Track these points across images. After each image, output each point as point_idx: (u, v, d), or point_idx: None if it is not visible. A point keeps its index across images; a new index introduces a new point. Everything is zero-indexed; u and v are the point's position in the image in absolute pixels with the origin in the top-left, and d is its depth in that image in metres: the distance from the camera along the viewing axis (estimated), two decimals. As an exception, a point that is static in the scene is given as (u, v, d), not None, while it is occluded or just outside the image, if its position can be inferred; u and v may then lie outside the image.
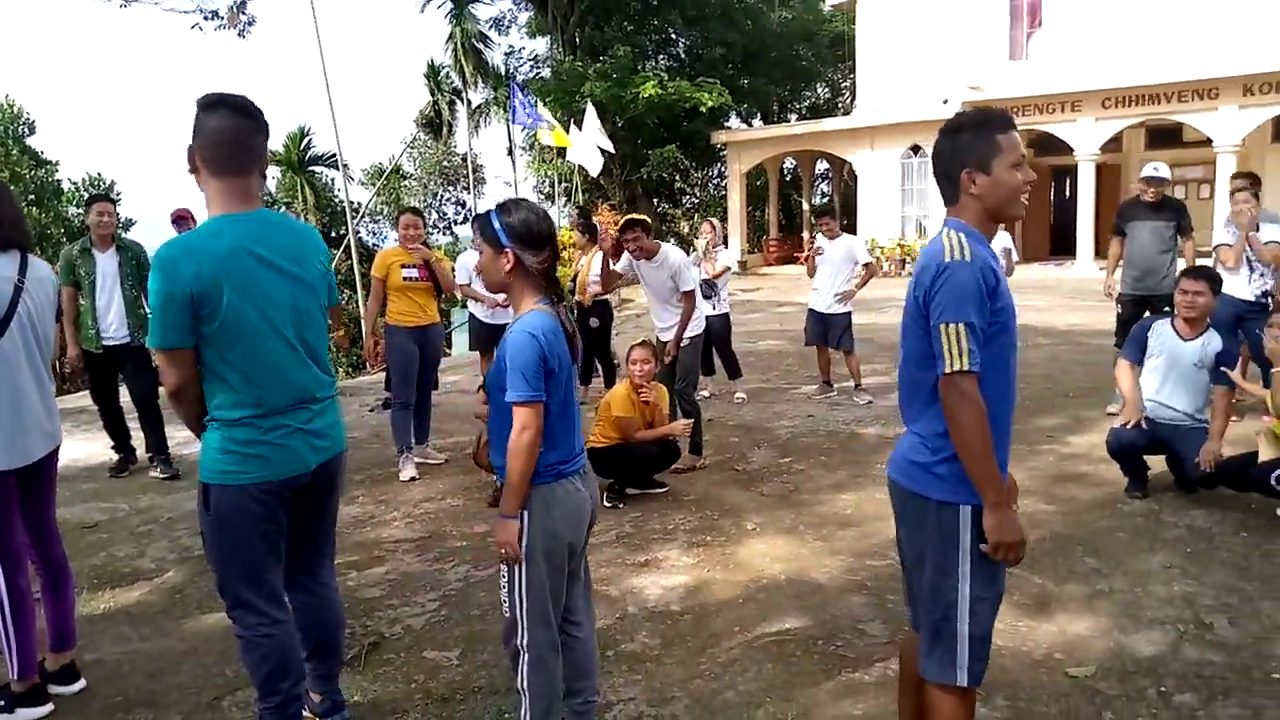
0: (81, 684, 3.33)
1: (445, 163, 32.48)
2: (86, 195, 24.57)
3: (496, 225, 2.51)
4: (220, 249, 2.44)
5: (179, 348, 2.46)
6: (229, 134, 2.51)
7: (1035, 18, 20.34)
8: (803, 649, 3.44)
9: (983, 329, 2.11)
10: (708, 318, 7.26)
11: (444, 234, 32.40)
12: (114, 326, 6.05)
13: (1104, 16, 18.79)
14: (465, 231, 29.99)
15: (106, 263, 6.03)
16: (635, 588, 4.07)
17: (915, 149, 21.62)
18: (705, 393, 7.73)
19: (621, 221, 5.98)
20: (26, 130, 25.67)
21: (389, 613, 3.93)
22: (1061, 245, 22.51)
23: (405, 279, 5.92)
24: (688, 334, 5.82)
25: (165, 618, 4.00)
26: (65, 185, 25.05)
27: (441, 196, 33.44)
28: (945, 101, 20.20)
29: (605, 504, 5.17)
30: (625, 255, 5.90)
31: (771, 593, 3.97)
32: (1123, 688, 3.07)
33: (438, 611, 3.92)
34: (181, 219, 7.97)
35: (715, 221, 8.49)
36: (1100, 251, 17.18)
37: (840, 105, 31.72)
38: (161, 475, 6.26)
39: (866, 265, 7.80)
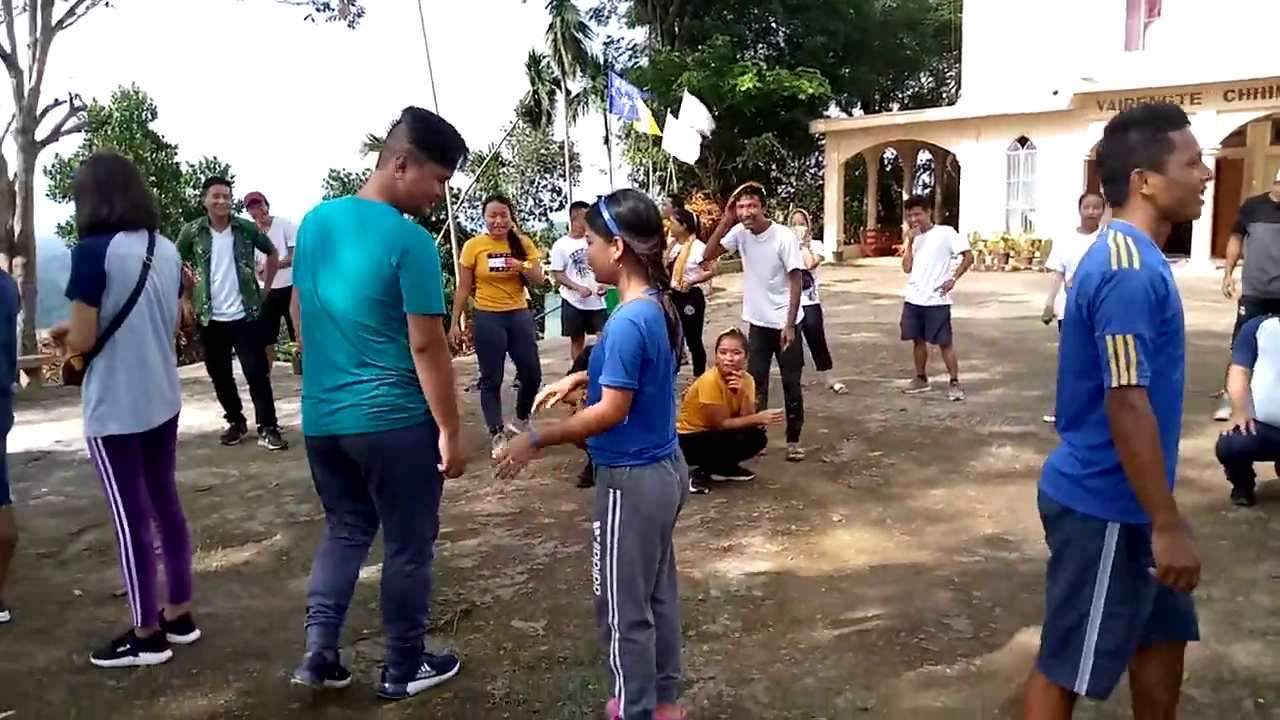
0: (196, 634, 3.57)
1: (543, 150, 32.92)
2: (203, 178, 25.85)
3: (606, 215, 2.57)
4: None
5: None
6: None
7: (1154, 7, 19.40)
8: (885, 640, 3.44)
9: (1152, 340, 2.02)
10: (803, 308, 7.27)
11: (540, 220, 32.90)
12: (229, 303, 6.39)
13: (1226, 5, 17.81)
14: (560, 218, 30.42)
15: (222, 241, 6.37)
16: (718, 571, 4.12)
17: (1023, 140, 20.94)
18: (838, 385, 7.76)
19: (739, 189, 5.90)
20: (149, 115, 27.11)
21: (480, 582, 4.07)
22: (1176, 243, 21.48)
23: (492, 269, 6.06)
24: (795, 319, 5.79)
25: (273, 578, 4.24)
26: (184, 168, 26.36)
27: (538, 184, 33.93)
28: (1055, 93, 19.50)
29: (691, 489, 5.20)
30: (734, 229, 5.81)
31: (855, 583, 3.97)
32: (1217, 696, 2.98)
33: (526, 584, 4.05)
34: (255, 202, 8.30)
35: (805, 212, 8.43)
36: (1217, 250, 16.36)
37: (945, 95, 30.91)
38: (270, 446, 6.58)
39: (964, 253, 7.63)
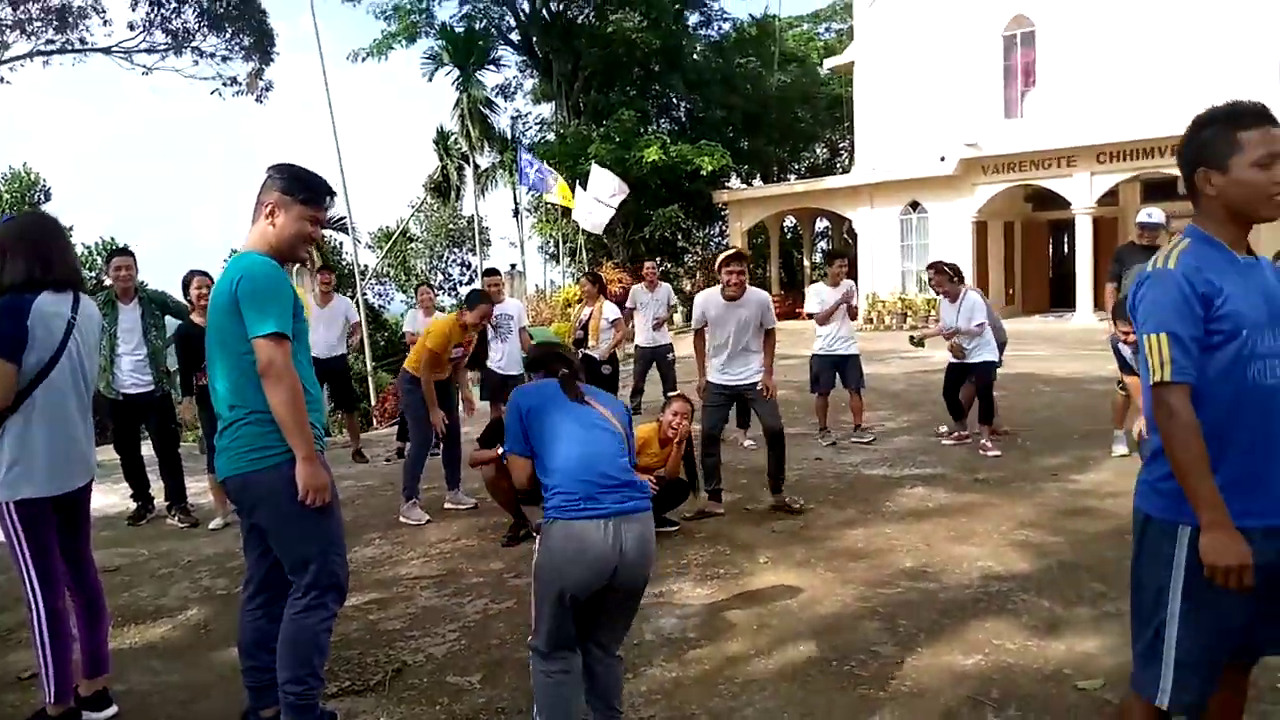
0: (114, 710, 3.40)
1: (451, 225, 33.03)
2: (100, 259, 25.04)
3: None
4: None
5: None
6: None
7: (1029, 77, 20.87)
8: (818, 669, 3.52)
9: (1194, 338, 2.01)
10: None
11: (449, 295, 32.78)
12: (138, 376, 6.21)
13: (1096, 74, 19.29)
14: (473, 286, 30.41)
15: (129, 315, 6.20)
16: (651, 618, 4.14)
17: (914, 205, 22.02)
18: (749, 443, 7.83)
19: (723, 255, 5.97)
20: (43, 197, 26.18)
21: (410, 642, 4.00)
22: (1061, 298, 22.77)
23: (451, 359, 6.27)
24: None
25: (192, 651, 4.08)
26: (80, 249, 25.44)
27: (447, 258, 33.95)
28: (943, 159, 20.65)
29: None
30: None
31: (785, 619, 4.05)
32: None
33: (458, 641, 4.00)
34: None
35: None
36: (1099, 303, 17.38)
37: (839, 164, 32.37)
38: (180, 524, 6.35)
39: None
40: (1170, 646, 2.09)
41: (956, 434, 7.72)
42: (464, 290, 32.15)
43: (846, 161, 30.44)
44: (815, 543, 5.15)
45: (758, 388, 5.81)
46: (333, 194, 3.10)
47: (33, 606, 3.16)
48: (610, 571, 2.73)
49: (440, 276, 33.26)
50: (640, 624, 4.05)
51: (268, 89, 18.11)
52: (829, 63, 26.40)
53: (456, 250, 33.65)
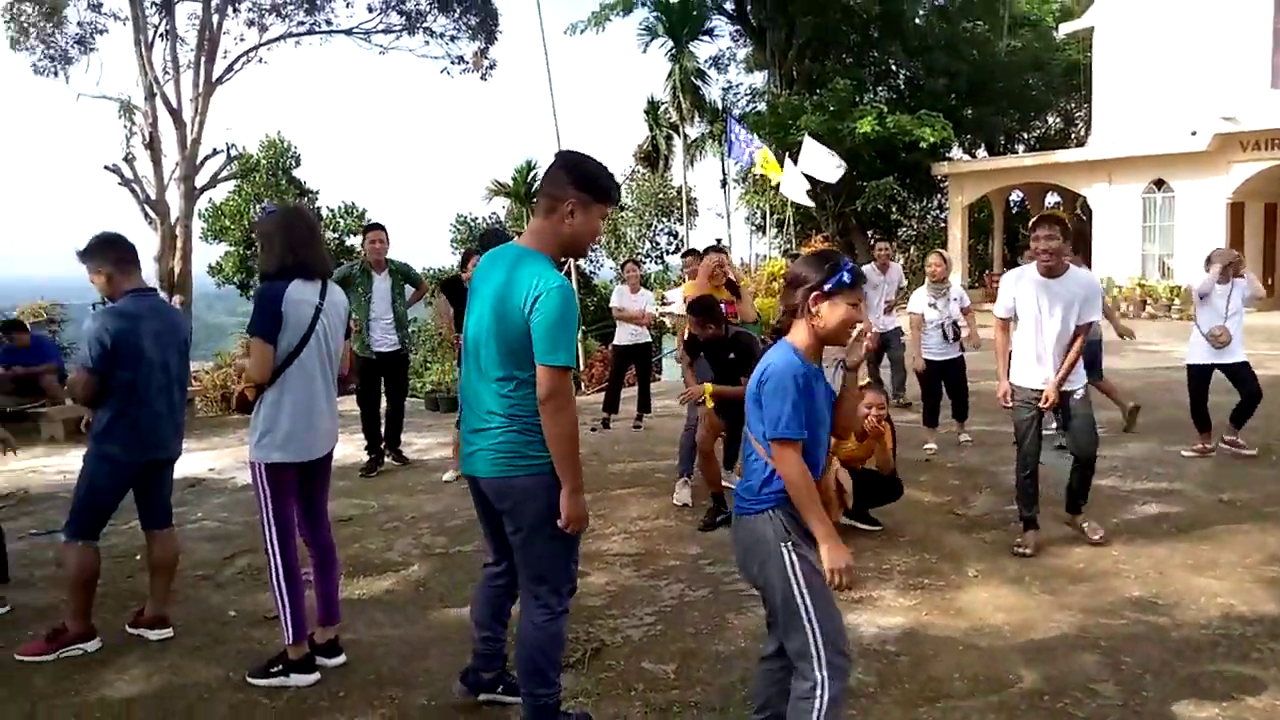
0: (343, 658, 3.73)
1: (660, 195, 33.41)
2: (342, 222, 27.27)
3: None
4: None
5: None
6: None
7: (1305, 41, 18.44)
8: (1028, 703, 3.31)
9: None
10: (945, 361, 7.38)
11: (656, 263, 33.27)
12: (386, 337, 7.02)
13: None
14: (676, 261, 30.70)
15: (380, 283, 6.90)
16: (850, 624, 4.03)
17: (1159, 183, 20.08)
18: (931, 446, 7.44)
19: (1036, 218, 4.98)
20: (293, 163, 28.78)
21: (609, 621, 4.12)
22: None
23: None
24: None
25: (412, 607, 4.40)
26: (324, 212, 27.79)
27: (655, 227, 34.40)
28: (1194, 133, 18.67)
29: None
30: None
31: (994, 641, 3.84)
32: None
33: (654, 626, 4.08)
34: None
35: (945, 253, 8.15)
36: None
37: (1074, 136, 29.97)
38: (395, 462, 7.32)
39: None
40: None
41: (1201, 445, 6.99)
42: (670, 260, 32.58)
43: (1082, 133, 28.12)
44: (1031, 559, 4.83)
45: (1075, 395, 4.88)
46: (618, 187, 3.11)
47: (271, 557, 3.53)
48: None
49: (648, 245, 33.78)
50: (838, 629, 3.98)
51: (492, 67, 18.98)
52: (1065, 27, 24.35)
53: (665, 220, 34.03)
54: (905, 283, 8.41)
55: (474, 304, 2.94)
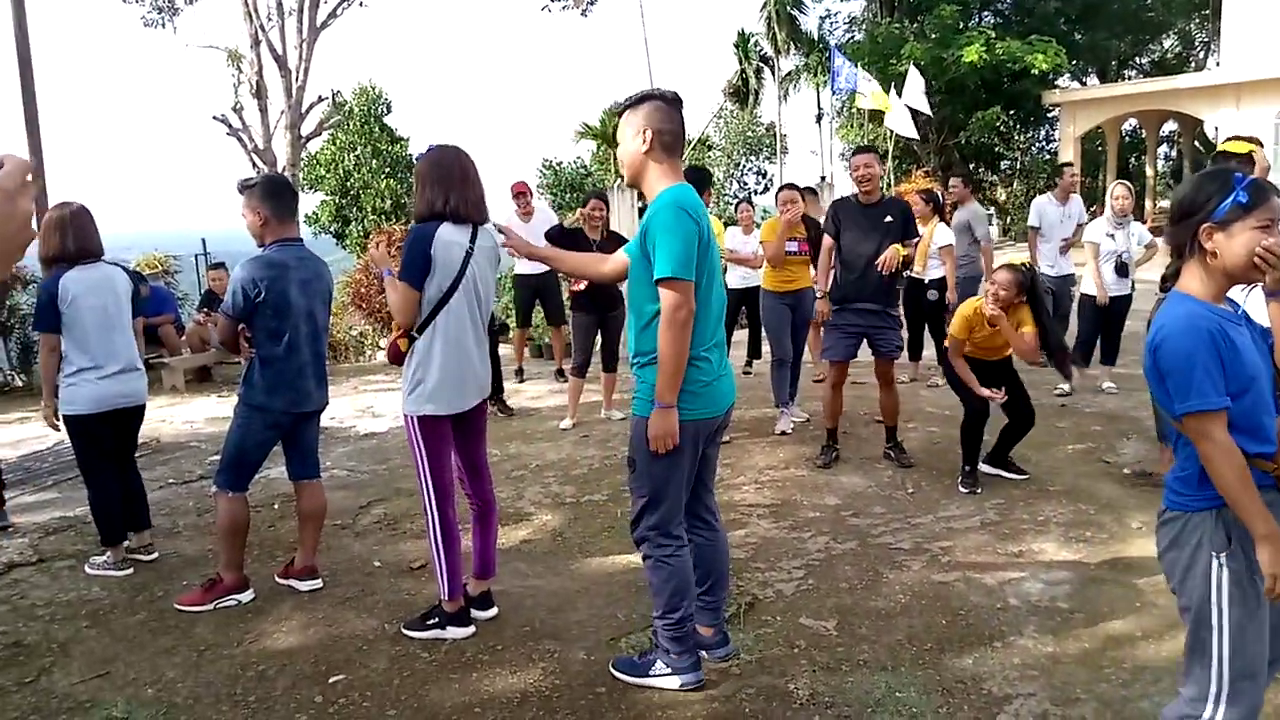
0: (495, 611, 3.70)
1: (749, 132, 32.64)
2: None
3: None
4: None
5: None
6: (680, 125, 2.96)
7: None
8: (1228, 668, 3.08)
9: None
10: (1117, 298, 6.98)
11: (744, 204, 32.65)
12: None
13: None
14: (764, 201, 30.11)
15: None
16: (1013, 580, 3.85)
17: (1295, 105, 18.68)
18: (1065, 387, 7.06)
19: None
20: (385, 110, 28.93)
21: (757, 575, 4.01)
22: None
23: (788, 253, 6.32)
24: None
25: (552, 557, 4.36)
26: (416, 160, 27.98)
27: (744, 166, 33.69)
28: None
29: (961, 488, 4.97)
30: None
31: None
32: None
33: (805, 580, 3.94)
34: (520, 194, 8.55)
35: (1128, 184, 7.49)
36: None
37: (1193, 60, 28.10)
38: (500, 415, 7.23)
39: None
40: None
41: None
42: (757, 199, 31.91)
43: (1202, 56, 26.37)
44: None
45: None
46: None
47: (428, 511, 3.47)
48: None
49: (735, 185, 33.15)
50: (1003, 586, 3.80)
51: (592, 2, 18.70)
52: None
53: (753, 158, 33.28)
54: (1085, 218, 7.69)
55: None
